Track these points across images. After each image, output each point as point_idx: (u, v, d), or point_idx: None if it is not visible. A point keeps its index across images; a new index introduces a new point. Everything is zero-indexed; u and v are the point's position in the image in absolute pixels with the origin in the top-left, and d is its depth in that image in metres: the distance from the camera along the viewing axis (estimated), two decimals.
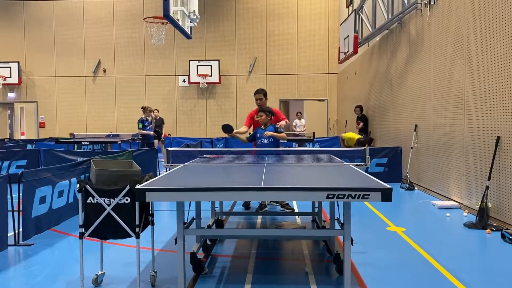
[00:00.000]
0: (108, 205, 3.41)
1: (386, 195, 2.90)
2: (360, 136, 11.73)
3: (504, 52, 5.57)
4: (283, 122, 6.78)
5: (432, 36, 8.04)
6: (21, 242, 4.97)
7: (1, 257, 4.56)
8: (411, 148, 9.12)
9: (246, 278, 3.86)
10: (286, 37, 19.21)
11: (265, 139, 6.41)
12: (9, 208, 4.92)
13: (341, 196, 2.92)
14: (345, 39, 13.19)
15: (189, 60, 19.06)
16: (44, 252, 4.70)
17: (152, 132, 12.49)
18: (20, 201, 5.10)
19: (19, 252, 4.74)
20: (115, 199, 3.40)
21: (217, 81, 19.10)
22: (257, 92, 7.01)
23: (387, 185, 2.98)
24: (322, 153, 6.63)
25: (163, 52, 19.33)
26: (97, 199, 3.41)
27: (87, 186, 3.43)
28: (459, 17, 6.89)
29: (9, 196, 4.90)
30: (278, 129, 6.53)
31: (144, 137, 12.39)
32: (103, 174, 3.55)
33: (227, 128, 6.37)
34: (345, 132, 16.98)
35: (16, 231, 4.97)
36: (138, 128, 12.28)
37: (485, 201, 5.74)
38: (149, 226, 3.71)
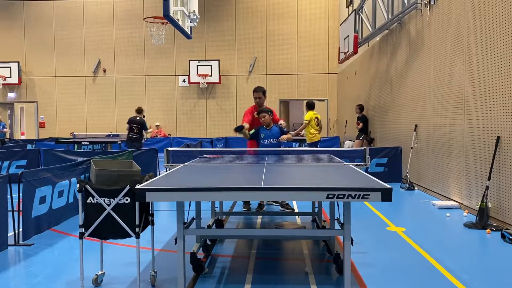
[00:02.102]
0: (108, 205, 3.41)
1: (386, 195, 2.90)
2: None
3: (504, 52, 5.57)
4: (283, 122, 6.77)
5: (432, 36, 8.04)
6: (21, 242, 4.97)
7: (1, 257, 4.56)
8: (411, 148, 9.11)
9: (246, 278, 3.86)
10: (286, 37, 19.21)
11: (270, 140, 6.43)
12: (9, 208, 4.92)
13: (341, 196, 2.92)
14: (345, 39, 13.19)
15: (189, 60, 19.06)
16: (44, 252, 4.70)
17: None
18: (20, 201, 5.10)
19: (19, 252, 4.74)
20: (115, 199, 3.40)
21: (217, 81, 19.10)
22: (255, 90, 6.79)
23: (387, 185, 2.98)
24: (322, 153, 6.64)
25: (163, 52, 19.33)
26: (97, 199, 3.41)
27: (87, 186, 3.43)
28: (459, 17, 6.89)
29: (9, 196, 4.90)
30: (284, 130, 6.55)
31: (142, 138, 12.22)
32: (103, 174, 3.55)
33: (239, 129, 6.40)
34: (345, 133, 16.85)
35: (16, 231, 4.97)
36: (148, 131, 12.15)
37: (485, 201, 5.74)
38: (149, 226, 3.71)
